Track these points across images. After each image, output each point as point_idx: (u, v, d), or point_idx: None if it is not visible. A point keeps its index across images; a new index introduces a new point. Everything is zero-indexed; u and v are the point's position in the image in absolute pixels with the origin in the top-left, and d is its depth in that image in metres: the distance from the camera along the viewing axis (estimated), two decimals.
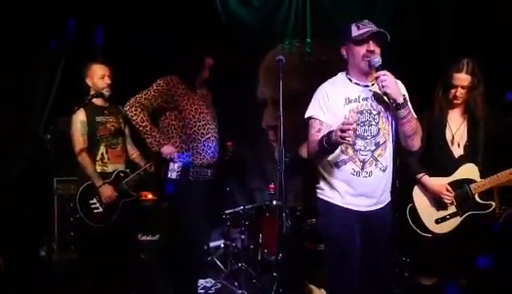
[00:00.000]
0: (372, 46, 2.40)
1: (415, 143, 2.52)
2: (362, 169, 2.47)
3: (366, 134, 2.47)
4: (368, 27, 2.41)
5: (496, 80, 3.27)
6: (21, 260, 3.96)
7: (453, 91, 3.03)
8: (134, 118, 3.34)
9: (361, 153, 2.47)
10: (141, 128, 3.34)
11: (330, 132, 2.33)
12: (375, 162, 2.48)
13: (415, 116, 2.50)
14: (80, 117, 3.51)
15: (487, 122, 3.02)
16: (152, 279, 4.11)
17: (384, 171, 2.50)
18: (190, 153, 3.39)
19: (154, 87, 3.37)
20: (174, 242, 3.64)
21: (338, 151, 2.46)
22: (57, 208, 4.33)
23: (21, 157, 4.09)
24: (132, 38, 4.61)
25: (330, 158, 2.51)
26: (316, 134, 2.48)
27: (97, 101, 3.60)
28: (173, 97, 3.38)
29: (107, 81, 3.57)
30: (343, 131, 2.22)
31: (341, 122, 2.27)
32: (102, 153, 3.59)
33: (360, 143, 2.47)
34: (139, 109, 3.34)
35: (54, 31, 4.33)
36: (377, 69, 2.36)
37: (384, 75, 2.33)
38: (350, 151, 2.47)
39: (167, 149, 3.35)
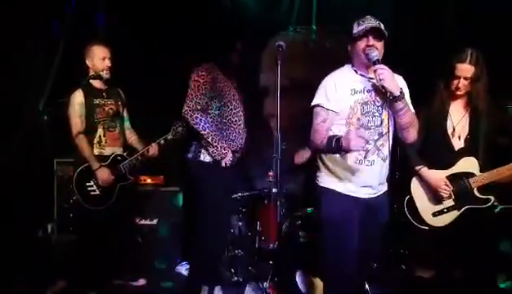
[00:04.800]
0: (371, 40, 2.50)
1: (410, 135, 2.61)
2: (365, 158, 2.56)
3: (369, 124, 2.56)
4: (368, 23, 2.50)
5: (501, 72, 3.20)
6: (20, 242, 3.98)
7: (455, 82, 2.97)
8: (198, 125, 3.36)
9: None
10: (205, 134, 3.36)
11: (339, 138, 2.43)
12: (377, 152, 2.57)
13: (413, 109, 2.59)
14: (78, 99, 3.49)
15: (490, 116, 2.97)
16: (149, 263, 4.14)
17: (384, 160, 2.58)
18: (225, 139, 3.42)
19: (202, 81, 3.36)
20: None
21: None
22: (57, 190, 4.35)
23: (20, 139, 4.08)
24: (134, 21, 4.58)
25: None
26: (321, 124, 2.58)
27: (96, 83, 3.58)
28: (217, 84, 3.40)
29: (107, 63, 3.54)
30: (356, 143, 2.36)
31: (355, 133, 2.39)
32: (100, 136, 3.58)
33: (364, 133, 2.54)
34: (200, 113, 3.37)
35: (54, 13, 4.29)
36: (375, 63, 2.44)
37: (381, 69, 2.42)
38: None
39: (228, 157, 3.42)
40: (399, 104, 2.46)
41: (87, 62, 3.54)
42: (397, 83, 2.46)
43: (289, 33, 4.90)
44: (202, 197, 3.48)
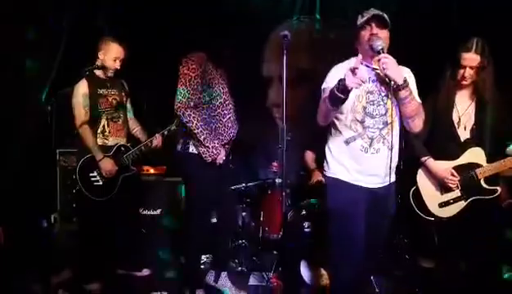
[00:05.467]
0: (374, 29, 2.52)
1: (416, 124, 2.61)
2: (370, 146, 2.59)
3: (374, 113, 2.59)
4: (371, 13, 2.52)
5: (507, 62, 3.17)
6: (23, 232, 3.97)
7: (461, 71, 2.95)
8: (191, 123, 3.27)
9: (370, 130, 2.59)
10: (197, 132, 3.27)
11: (340, 80, 2.38)
12: (382, 140, 2.59)
13: (418, 99, 2.60)
14: (82, 89, 3.47)
15: (496, 105, 2.95)
16: (153, 253, 4.14)
17: (390, 149, 2.56)
18: (214, 134, 3.35)
19: (193, 75, 3.25)
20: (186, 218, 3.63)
21: (348, 128, 2.62)
22: (60, 180, 4.34)
23: (23, 129, 4.06)
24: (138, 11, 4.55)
25: (339, 135, 2.64)
26: None
27: (100, 73, 3.56)
28: (207, 77, 3.31)
29: (117, 65, 3.55)
30: (353, 71, 2.31)
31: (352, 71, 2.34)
32: (104, 126, 3.57)
33: (369, 121, 2.59)
34: (193, 111, 3.27)
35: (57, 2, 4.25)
36: (379, 53, 2.44)
37: (385, 58, 2.41)
38: (359, 128, 2.60)
39: (221, 156, 3.35)
40: (403, 93, 2.46)
41: (100, 55, 3.52)
42: (400, 72, 2.46)
43: (293, 22, 4.86)
44: (192, 189, 3.44)
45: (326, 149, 2.77)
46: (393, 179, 2.65)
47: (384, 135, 2.59)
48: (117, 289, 3.65)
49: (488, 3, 4.03)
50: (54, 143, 3.70)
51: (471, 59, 2.91)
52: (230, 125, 3.45)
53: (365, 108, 2.59)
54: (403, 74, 2.47)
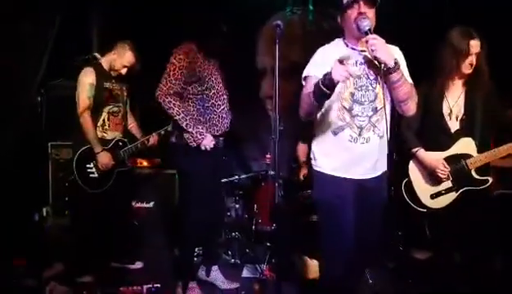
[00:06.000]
0: (362, 7, 2.34)
1: (410, 108, 2.46)
2: (360, 135, 2.45)
3: (363, 99, 2.44)
4: None
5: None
6: (15, 226, 3.96)
7: (469, 59, 2.89)
8: (172, 110, 3.24)
9: (359, 118, 2.45)
10: (179, 118, 3.25)
11: (326, 73, 2.24)
12: (372, 128, 2.45)
13: (410, 80, 2.45)
14: (90, 78, 3.49)
15: (486, 95, 2.93)
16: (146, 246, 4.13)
17: (381, 137, 2.46)
18: (208, 124, 3.34)
19: (178, 65, 3.23)
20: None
21: (335, 118, 2.46)
22: (52, 173, 4.33)
23: (14, 121, 4.03)
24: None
25: (326, 125, 2.49)
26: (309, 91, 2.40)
27: (107, 66, 3.60)
28: (195, 69, 3.28)
29: (124, 71, 3.60)
30: (340, 62, 2.19)
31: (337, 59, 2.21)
32: (104, 120, 3.60)
33: (357, 108, 2.44)
34: (173, 97, 3.25)
35: None
36: (366, 33, 2.28)
37: (374, 39, 2.25)
38: (347, 117, 2.45)
39: (207, 140, 3.30)
40: (394, 76, 2.30)
41: (111, 54, 3.57)
42: (391, 53, 2.30)
43: (287, 13, 4.84)
44: (185, 180, 3.44)
45: (313, 140, 2.64)
46: (384, 168, 2.54)
47: (374, 122, 2.44)
48: (110, 282, 3.65)
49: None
50: (45, 135, 3.68)
51: (477, 45, 2.88)
52: (224, 116, 3.43)
53: (352, 94, 2.43)
54: (393, 55, 2.31)
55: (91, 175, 3.55)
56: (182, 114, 3.26)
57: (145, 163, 4.41)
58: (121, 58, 3.58)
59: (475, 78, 2.94)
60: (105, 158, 3.53)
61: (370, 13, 2.35)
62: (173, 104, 3.25)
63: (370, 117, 2.45)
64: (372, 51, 2.26)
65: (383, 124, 2.43)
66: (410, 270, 3.71)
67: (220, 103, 3.39)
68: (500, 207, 3.32)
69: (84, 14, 4.43)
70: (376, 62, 2.34)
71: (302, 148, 4.16)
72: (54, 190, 4.32)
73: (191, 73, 3.26)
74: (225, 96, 3.44)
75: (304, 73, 2.53)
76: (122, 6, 4.52)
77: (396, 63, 2.30)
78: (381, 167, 2.54)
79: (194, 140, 3.28)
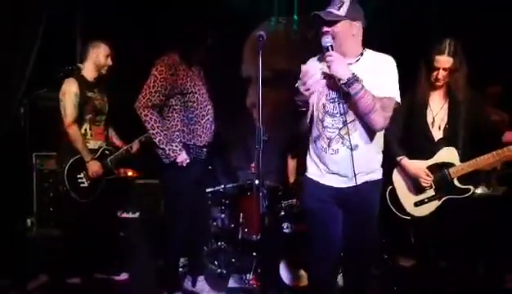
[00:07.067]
0: (324, 27, 2.43)
1: (376, 120, 2.45)
2: (329, 146, 2.52)
3: (334, 111, 2.51)
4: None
5: (480, 63, 3.21)
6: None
7: (435, 73, 2.97)
8: (148, 123, 3.23)
9: (328, 130, 2.52)
10: (153, 133, 3.25)
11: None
12: (341, 140, 2.50)
13: (392, 93, 2.48)
14: (73, 88, 3.49)
15: (468, 106, 2.97)
16: (132, 256, 4.11)
17: (352, 149, 2.48)
18: (191, 135, 3.33)
19: (159, 77, 3.21)
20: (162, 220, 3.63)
21: (314, 127, 2.58)
22: (36, 184, 4.30)
23: None
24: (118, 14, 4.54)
25: (311, 133, 2.61)
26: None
27: (89, 76, 3.60)
28: (177, 81, 3.26)
29: (109, 61, 3.61)
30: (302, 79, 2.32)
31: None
32: (86, 129, 3.60)
33: (328, 120, 2.52)
34: (151, 111, 3.23)
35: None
36: (327, 50, 2.40)
37: (329, 55, 2.38)
38: (320, 127, 2.55)
39: (181, 158, 3.27)
40: (352, 89, 2.37)
41: (91, 54, 3.56)
42: (346, 69, 2.39)
43: (272, 23, 4.86)
44: (170, 191, 3.42)
45: (307, 149, 2.72)
46: (367, 179, 2.56)
47: (343, 135, 2.49)
48: (95, 293, 3.62)
49: (462, 4, 4.09)
50: (29, 146, 3.66)
51: (444, 61, 2.93)
52: (208, 126, 3.42)
53: (324, 106, 2.52)
54: (350, 70, 2.39)
55: (81, 185, 3.55)
56: (157, 130, 3.25)
57: (129, 173, 4.40)
58: (100, 52, 3.57)
59: (454, 91, 2.99)
60: (95, 167, 3.55)
61: (335, 29, 2.42)
62: (150, 117, 3.23)
63: (340, 129, 2.50)
64: (328, 67, 2.40)
65: (354, 137, 2.48)
66: (395, 277, 3.73)
67: (204, 113, 3.38)
68: (480, 209, 3.35)
69: (68, 24, 4.42)
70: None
71: (291, 164, 4.20)
72: (38, 201, 4.29)
73: (174, 84, 3.25)
74: (209, 107, 3.43)
75: (296, 84, 2.57)
76: (107, 17, 4.52)
77: (353, 76, 2.37)
78: (365, 178, 2.55)
79: (166, 157, 3.27)
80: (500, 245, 3.54)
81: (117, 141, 3.86)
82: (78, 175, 3.55)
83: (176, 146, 3.27)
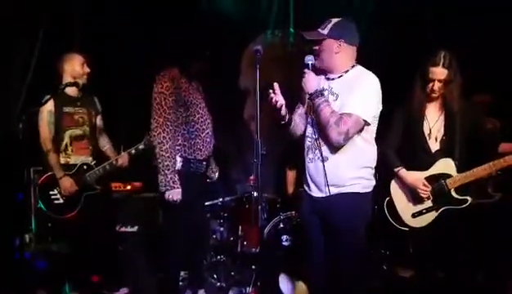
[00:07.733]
0: (315, 46, 2.61)
1: (330, 135, 2.50)
2: (307, 155, 2.68)
3: (313, 122, 2.63)
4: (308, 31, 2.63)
5: (474, 73, 3.25)
6: None
7: (430, 85, 2.99)
8: (160, 146, 3.19)
9: (308, 139, 2.68)
10: (159, 159, 3.20)
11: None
12: (315, 150, 2.61)
13: (333, 109, 2.53)
14: (48, 106, 3.48)
15: (464, 116, 2.99)
16: (131, 271, 4.09)
17: (323, 160, 2.55)
18: (192, 149, 3.33)
19: (167, 92, 3.20)
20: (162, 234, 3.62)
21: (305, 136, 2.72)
22: (34, 199, 4.27)
23: None
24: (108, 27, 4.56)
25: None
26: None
27: (71, 91, 3.58)
28: (181, 94, 3.27)
29: (86, 69, 3.58)
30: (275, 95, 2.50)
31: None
32: (66, 145, 3.59)
33: (309, 130, 2.68)
34: (167, 134, 3.20)
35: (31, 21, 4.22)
36: (306, 67, 2.58)
37: (304, 73, 2.57)
38: (305, 137, 2.71)
39: (173, 196, 3.22)
40: (315, 103, 2.52)
41: (66, 67, 3.55)
42: (314, 84, 2.55)
43: (268, 36, 4.90)
44: (168, 204, 3.35)
45: None
46: (335, 192, 2.55)
47: (317, 145, 2.58)
48: None
49: (458, 14, 4.14)
50: (26, 161, 3.66)
51: (439, 73, 2.95)
52: (208, 140, 3.43)
53: (306, 115, 2.69)
54: (316, 86, 2.54)
55: (55, 202, 3.55)
56: (169, 154, 3.20)
57: (128, 187, 4.38)
58: (74, 62, 3.56)
59: (450, 103, 3.01)
60: (66, 184, 3.51)
61: (322, 46, 2.59)
62: (166, 141, 3.19)
63: (316, 139, 2.60)
64: (303, 82, 2.57)
65: (324, 149, 2.57)
66: (394, 288, 3.73)
67: (204, 127, 3.40)
68: (477, 218, 3.36)
69: (66, 39, 4.45)
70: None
71: (290, 175, 4.21)
72: (36, 216, 4.27)
73: (179, 98, 3.26)
74: (209, 120, 3.45)
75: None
76: (104, 33, 4.54)
77: (316, 91, 2.53)
78: (334, 189, 2.56)
79: (164, 185, 3.21)
80: (499, 252, 3.56)
81: (111, 154, 3.77)
82: (51, 192, 3.54)
83: (173, 178, 3.22)
